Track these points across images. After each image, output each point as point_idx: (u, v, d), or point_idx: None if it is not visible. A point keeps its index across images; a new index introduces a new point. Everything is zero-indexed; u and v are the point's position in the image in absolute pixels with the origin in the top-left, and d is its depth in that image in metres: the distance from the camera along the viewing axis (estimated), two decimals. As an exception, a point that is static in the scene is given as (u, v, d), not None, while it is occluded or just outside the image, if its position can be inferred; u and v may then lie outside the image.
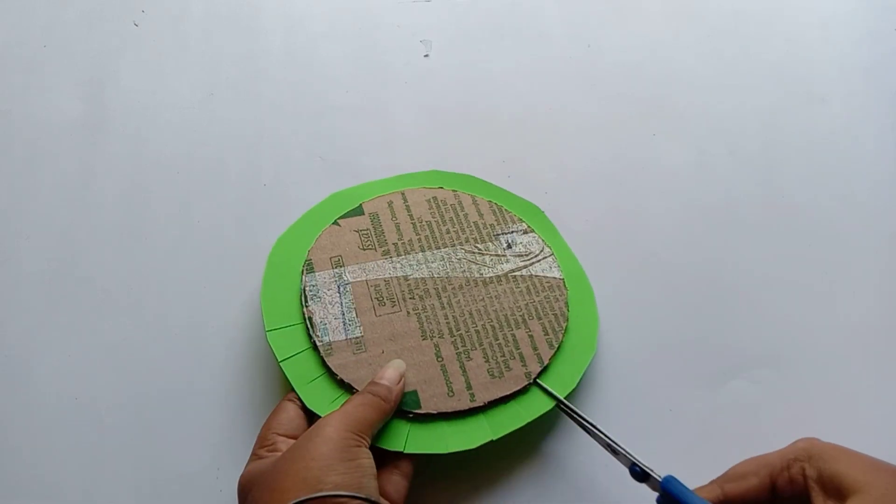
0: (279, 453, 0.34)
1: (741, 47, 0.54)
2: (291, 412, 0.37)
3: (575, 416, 0.38)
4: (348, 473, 0.31)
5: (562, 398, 0.39)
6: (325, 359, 0.39)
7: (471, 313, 0.41)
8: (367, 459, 0.32)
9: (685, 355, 0.44)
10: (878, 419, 0.42)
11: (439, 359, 0.40)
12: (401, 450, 0.36)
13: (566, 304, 0.42)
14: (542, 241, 0.45)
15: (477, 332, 0.41)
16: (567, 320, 0.42)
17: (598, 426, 0.37)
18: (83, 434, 0.42)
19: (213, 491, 0.41)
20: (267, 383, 0.44)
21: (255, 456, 0.35)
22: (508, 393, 0.39)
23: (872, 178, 0.49)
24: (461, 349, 0.40)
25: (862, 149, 0.50)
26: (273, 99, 0.52)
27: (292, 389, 0.38)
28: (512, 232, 0.45)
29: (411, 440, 0.37)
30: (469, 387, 0.39)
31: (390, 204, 0.46)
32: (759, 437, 0.41)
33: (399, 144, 0.51)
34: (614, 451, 0.36)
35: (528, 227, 0.46)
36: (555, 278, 0.43)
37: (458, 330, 0.41)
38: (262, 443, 0.35)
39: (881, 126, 0.51)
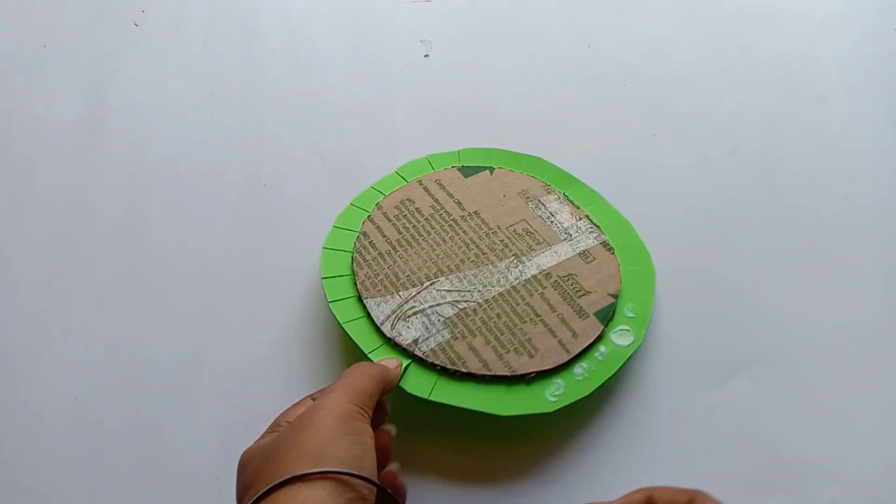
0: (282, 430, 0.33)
1: (741, 47, 0.54)
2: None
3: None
4: (351, 448, 0.30)
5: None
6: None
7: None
8: (369, 437, 0.32)
9: (685, 355, 0.44)
10: (878, 419, 0.42)
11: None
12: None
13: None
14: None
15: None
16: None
17: None
18: (83, 434, 0.42)
19: (213, 491, 0.41)
20: (267, 383, 0.44)
21: (261, 437, 0.34)
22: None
23: (872, 178, 0.49)
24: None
25: (862, 149, 0.50)
26: (273, 99, 0.52)
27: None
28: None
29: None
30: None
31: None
32: (760, 437, 0.41)
33: (399, 144, 0.51)
34: None
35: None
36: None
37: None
38: (272, 427, 0.35)
39: (881, 126, 0.51)
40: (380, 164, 0.50)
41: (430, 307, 0.40)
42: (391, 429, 0.36)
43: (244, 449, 0.43)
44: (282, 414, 0.35)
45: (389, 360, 0.38)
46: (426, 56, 0.54)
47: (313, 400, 0.37)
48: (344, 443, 0.30)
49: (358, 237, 0.44)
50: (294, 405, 0.36)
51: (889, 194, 0.49)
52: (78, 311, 0.46)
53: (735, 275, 0.46)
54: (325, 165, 0.50)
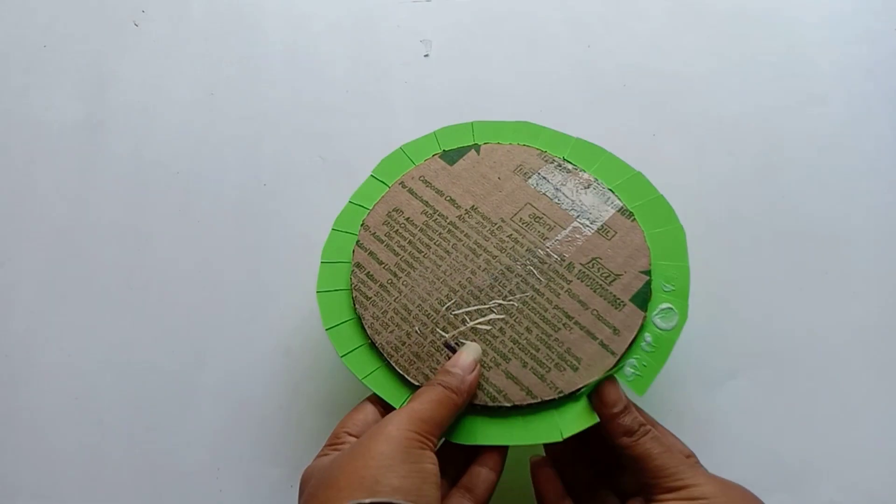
0: (343, 449, 0.32)
1: (741, 47, 0.54)
2: (368, 413, 0.35)
3: None
4: (408, 477, 0.28)
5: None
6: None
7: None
8: (431, 464, 0.30)
9: (685, 355, 0.44)
10: (877, 419, 0.42)
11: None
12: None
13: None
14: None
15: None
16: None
17: None
18: (83, 434, 0.42)
19: (213, 491, 0.41)
20: (267, 383, 0.44)
21: (321, 452, 0.33)
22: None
23: (872, 178, 0.49)
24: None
25: (862, 149, 0.50)
26: (273, 99, 0.52)
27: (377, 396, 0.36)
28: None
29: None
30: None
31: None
32: (759, 437, 0.41)
33: (399, 144, 0.51)
34: None
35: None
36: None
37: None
38: (332, 440, 0.33)
39: (881, 126, 0.51)
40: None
41: (451, 337, 0.36)
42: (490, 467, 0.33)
43: (244, 449, 0.43)
44: (341, 423, 0.34)
45: (462, 357, 0.34)
46: (426, 56, 0.54)
47: (370, 402, 0.35)
48: (400, 471, 0.28)
49: (352, 271, 0.38)
50: (353, 412, 0.35)
51: (889, 194, 0.49)
52: (78, 311, 0.46)
53: (735, 275, 0.46)
54: (325, 165, 0.50)
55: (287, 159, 0.50)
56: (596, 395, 0.34)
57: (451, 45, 0.55)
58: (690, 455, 0.34)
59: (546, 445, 0.36)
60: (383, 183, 0.42)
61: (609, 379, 0.34)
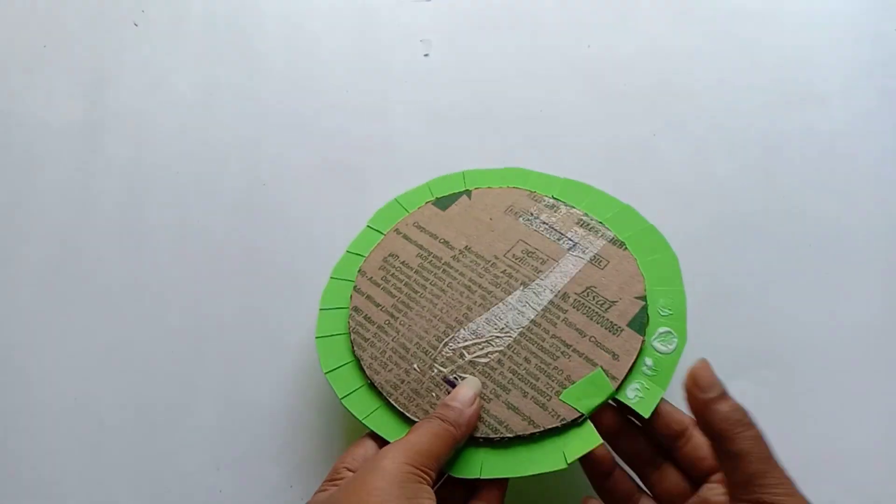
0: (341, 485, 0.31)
1: (741, 47, 0.54)
2: (368, 448, 0.34)
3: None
4: None
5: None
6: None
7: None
8: (429, 499, 0.29)
9: (686, 356, 0.44)
10: (878, 419, 0.42)
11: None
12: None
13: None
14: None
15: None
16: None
17: None
18: (83, 434, 0.42)
19: (212, 491, 0.41)
20: (266, 383, 0.44)
21: (320, 489, 0.32)
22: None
23: (872, 178, 0.49)
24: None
25: (862, 149, 0.50)
26: (273, 99, 0.52)
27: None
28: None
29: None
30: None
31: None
32: (760, 437, 0.41)
33: (399, 144, 0.51)
34: None
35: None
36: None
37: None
38: (332, 475, 0.33)
39: (881, 126, 0.51)
40: (380, 164, 0.50)
41: (450, 372, 0.36)
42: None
43: (244, 449, 0.43)
44: (340, 459, 0.34)
45: (462, 391, 0.34)
46: (426, 56, 0.54)
47: (369, 438, 0.35)
48: None
49: (350, 315, 0.39)
50: (353, 447, 0.34)
51: (889, 194, 0.49)
52: (78, 311, 0.46)
53: (735, 276, 0.46)
54: (325, 165, 0.50)
55: (287, 159, 0.50)
56: (689, 377, 0.31)
57: (451, 45, 0.55)
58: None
59: (585, 463, 0.35)
60: (378, 232, 0.43)
61: (700, 361, 0.32)
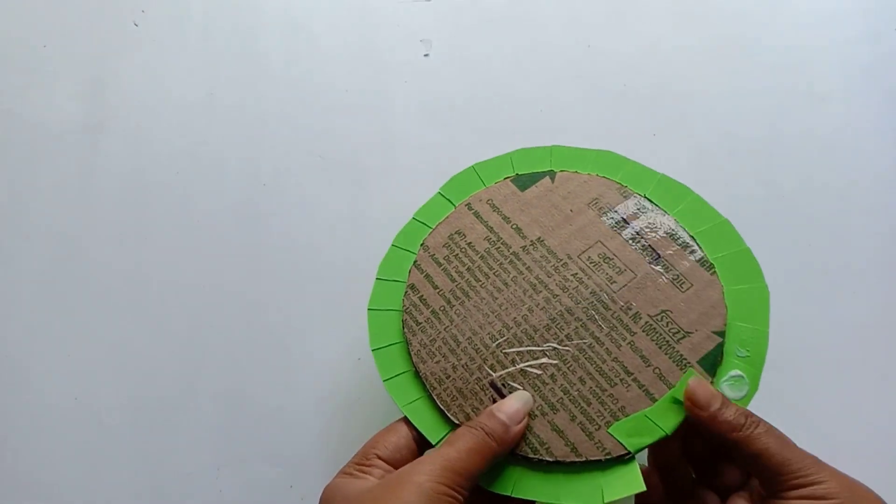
0: (369, 480, 0.30)
1: (741, 47, 0.54)
2: (401, 436, 0.33)
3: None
4: None
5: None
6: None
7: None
8: None
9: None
10: (878, 419, 0.42)
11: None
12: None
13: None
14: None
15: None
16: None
17: None
18: (83, 434, 0.42)
19: (213, 491, 0.41)
20: (266, 383, 0.44)
21: (347, 469, 0.31)
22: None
23: (872, 177, 0.49)
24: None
25: (862, 149, 0.50)
26: (273, 98, 0.52)
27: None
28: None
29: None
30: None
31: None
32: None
33: (399, 144, 0.51)
34: None
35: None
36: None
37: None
38: (360, 459, 0.32)
39: (881, 126, 0.51)
40: (380, 163, 0.50)
41: (498, 378, 0.34)
42: None
43: (244, 449, 0.43)
44: (371, 443, 0.32)
45: (513, 405, 0.32)
46: (426, 56, 0.54)
47: (404, 424, 0.34)
48: None
49: (406, 292, 0.37)
50: (385, 433, 0.33)
51: (889, 194, 0.49)
52: (78, 311, 0.46)
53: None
54: (325, 165, 0.50)
55: (287, 159, 0.50)
56: (686, 399, 0.31)
57: (451, 45, 0.55)
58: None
59: (653, 449, 0.33)
60: (449, 202, 0.40)
61: (692, 379, 0.31)
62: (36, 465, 0.41)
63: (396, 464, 0.32)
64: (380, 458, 0.32)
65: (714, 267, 0.35)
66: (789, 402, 0.42)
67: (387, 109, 0.52)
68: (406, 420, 0.34)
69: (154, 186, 0.49)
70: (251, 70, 0.54)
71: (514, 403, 0.32)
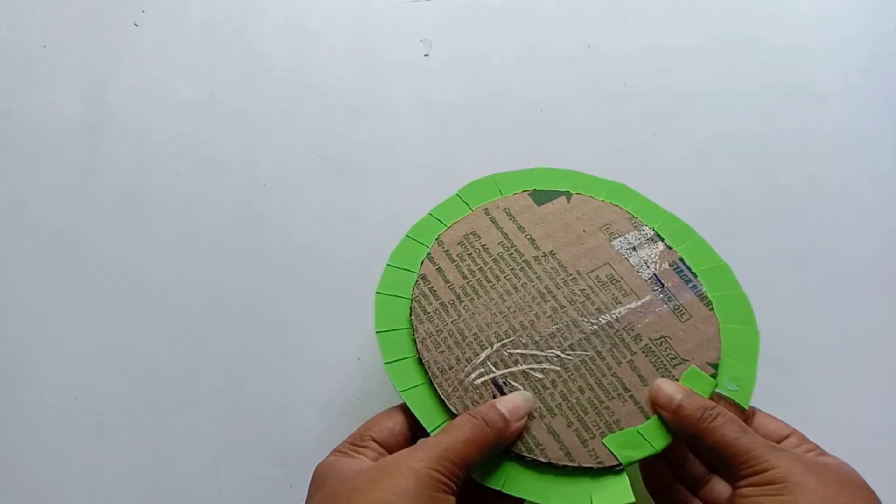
0: (363, 461, 0.31)
1: (741, 47, 0.54)
2: (398, 422, 0.33)
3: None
4: None
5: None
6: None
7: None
8: None
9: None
10: (878, 419, 0.42)
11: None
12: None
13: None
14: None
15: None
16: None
17: None
18: (83, 434, 0.42)
19: (213, 491, 0.41)
20: (266, 383, 0.44)
21: (342, 448, 0.32)
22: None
23: (872, 178, 0.49)
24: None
25: (862, 149, 0.50)
26: (273, 98, 0.52)
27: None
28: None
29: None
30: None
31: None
32: (759, 437, 0.41)
33: (399, 144, 0.51)
34: None
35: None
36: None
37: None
38: (355, 439, 0.32)
39: (881, 126, 0.51)
40: (380, 163, 0.50)
41: (500, 376, 0.34)
42: None
43: (244, 449, 0.43)
44: (367, 425, 0.33)
45: (515, 401, 0.32)
46: (426, 56, 0.54)
47: (400, 410, 0.34)
48: None
49: (417, 281, 0.37)
50: (382, 416, 0.33)
51: (889, 194, 0.49)
52: (78, 311, 0.46)
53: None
54: (325, 165, 0.50)
55: (287, 159, 0.50)
56: (652, 404, 0.33)
57: (451, 45, 0.55)
58: (790, 435, 0.32)
59: (645, 473, 0.36)
60: (466, 204, 0.41)
61: (655, 383, 0.33)
62: (36, 464, 0.41)
63: (390, 448, 0.32)
64: (375, 439, 0.32)
65: (713, 305, 0.37)
66: (789, 402, 0.42)
67: (387, 109, 0.52)
68: (403, 408, 0.34)
69: (154, 186, 0.49)
70: (251, 70, 0.54)
71: (517, 400, 0.32)
